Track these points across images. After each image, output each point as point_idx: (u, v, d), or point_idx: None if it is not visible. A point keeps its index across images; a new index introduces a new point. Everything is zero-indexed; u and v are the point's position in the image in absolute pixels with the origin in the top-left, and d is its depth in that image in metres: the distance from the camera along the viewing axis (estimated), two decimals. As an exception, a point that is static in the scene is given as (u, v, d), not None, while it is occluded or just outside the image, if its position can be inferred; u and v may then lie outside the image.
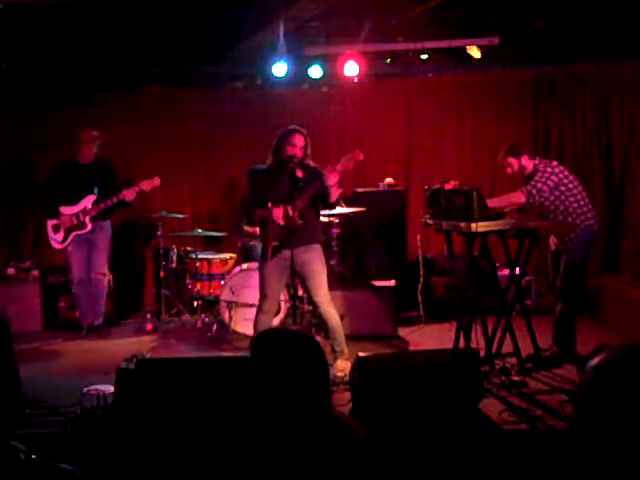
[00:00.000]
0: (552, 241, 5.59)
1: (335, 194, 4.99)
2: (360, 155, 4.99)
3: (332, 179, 4.88)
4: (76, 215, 6.49)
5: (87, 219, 6.48)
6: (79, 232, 6.50)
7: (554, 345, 5.45)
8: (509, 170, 5.43)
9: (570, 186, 5.31)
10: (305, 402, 1.86)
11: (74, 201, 6.51)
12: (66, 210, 6.52)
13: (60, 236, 6.55)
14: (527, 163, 5.36)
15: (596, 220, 5.40)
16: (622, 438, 1.17)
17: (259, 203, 5.14)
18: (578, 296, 5.42)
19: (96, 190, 6.50)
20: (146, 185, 6.48)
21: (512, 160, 5.38)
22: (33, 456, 1.31)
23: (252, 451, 1.85)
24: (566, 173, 5.35)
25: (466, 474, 3.37)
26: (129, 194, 6.40)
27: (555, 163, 5.40)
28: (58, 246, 6.60)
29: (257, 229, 5.65)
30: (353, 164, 5.03)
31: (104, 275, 6.62)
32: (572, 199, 5.30)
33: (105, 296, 6.68)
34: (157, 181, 6.53)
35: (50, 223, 6.59)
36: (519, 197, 5.34)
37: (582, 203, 5.32)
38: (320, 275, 5.14)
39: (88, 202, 6.50)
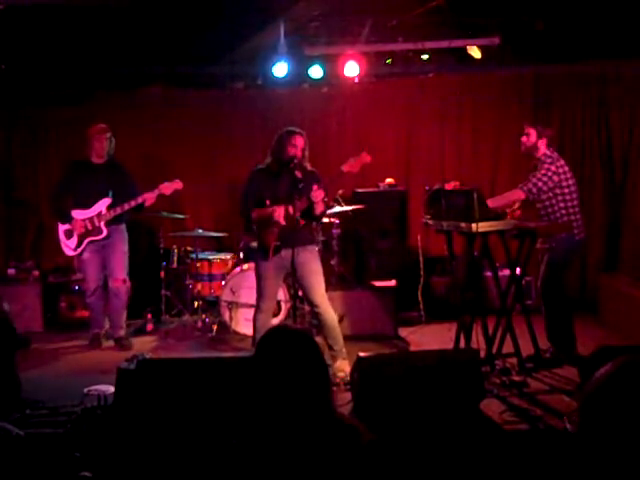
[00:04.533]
0: (538, 240, 5.59)
1: (320, 209, 5.07)
2: (367, 157, 4.97)
3: (317, 197, 4.93)
4: (90, 220, 6.08)
5: (102, 224, 6.07)
6: (94, 238, 6.10)
7: (552, 346, 5.45)
8: (524, 139, 5.42)
9: (565, 190, 5.30)
10: (304, 400, 1.86)
11: (87, 204, 6.11)
12: (79, 214, 6.12)
13: (73, 242, 6.15)
14: (542, 146, 5.37)
15: (581, 230, 5.37)
16: (625, 447, 1.18)
17: (257, 202, 5.15)
18: (557, 297, 5.39)
19: (111, 194, 6.11)
20: (166, 188, 6.12)
21: (532, 131, 5.38)
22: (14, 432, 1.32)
23: (254, 451, 1.85)
24: (568, 175, 5.33)
25: (467, 474, 3.37)
26: (150, 197, 6.05)
27: (562, 162, 5.36)
28: (71, 253, 6.23)
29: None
30: (359, 166, 4.99)
31: (124, 282, 6.26)
32: (562, 204, 5.30)
33: (126, 305, 6.34)
34: (179, 184, 6.16)
35: (62, 228, 6.19)
36: (519, 195, 5.35)
37: (571, 211, 5.31)
38: (318, 274, 5.17)
39: (102, 206, 6.10)
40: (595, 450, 1.21)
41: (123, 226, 6.29)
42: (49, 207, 6.56)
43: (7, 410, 1.22)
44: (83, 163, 6.25)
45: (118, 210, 6.07)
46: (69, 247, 6.21)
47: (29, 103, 7.59)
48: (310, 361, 1.93)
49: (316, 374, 1.92)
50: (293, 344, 1.95)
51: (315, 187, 4.94)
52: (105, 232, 6.12)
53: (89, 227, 6.10)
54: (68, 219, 6.15)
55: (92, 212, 6.12)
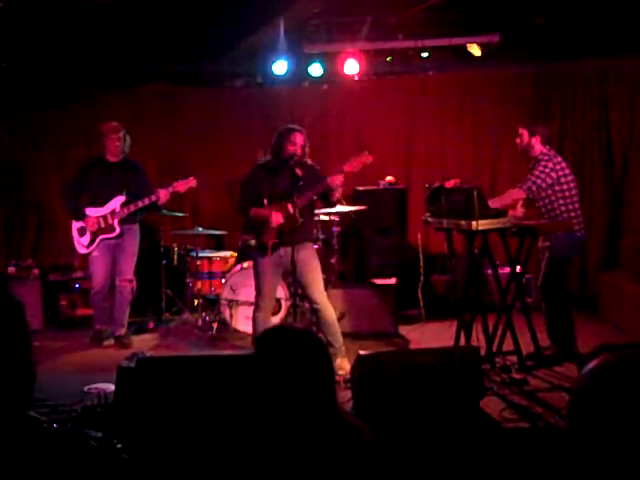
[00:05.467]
0: (540, 238, 5.60)
1: (337, 195, 5.07)
2: (369, 157, 4.97)
3: (338, 180, 4.91)
4: (104, 218, 6.06)
5: (115, 222, 6.05)
6: (107, 236, 6.09)
7: (552, 343, 5.46)
8: (518, 140, 5.47)
9: (564, 187, 5.30)
10: (310, 400, 1.86)
11: (101, 202, 6.10)
12: (93, 212, 6.11)
13: (86, 240, 6.13)
14: (536, 145, 5.38)
15: (581, 227, 5.36)
16: (615, 444, 1.18)
17: (255, 199, 5.15)
18: (558, 295, 5.39)
19: (125, 192, 6.09)
20: (180, 186, 6.07)
21: (524, 132, 5.41)
22: (54, 425, 1.34)
23: (256, 450, 1.85)
24: (566, 172, 5.33)
25: (467, 472, 3.37)
26: (163, 195, 6.01)
27: (559, 159, 5.37)
28: (84, 250, 6.20)
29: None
30: (361, 166, 5.00)
31: (130, 282, 6.25)
32: (562, 201, 5.30)
33: (129, 305, 6.33)
34: (193, 182, 6.10)
35: (75, 225, 6.16)
36: (519, 194, 5.36)
37: (570, 207, 5.31)
38: (317, 271, 5.18)
39: (116, 204, 6.07)
40: (584, 446, 1.21)
41: (136, 226, 6.27)
42: (63, 204, 6.49)
43: (22, 407, 1.24)
44: (97, 161, 6.25)
45: (132, 208, 6.05)
46: (82, 244, 6.20)
47: (29, 103, 7.58)
48: (316, 360, 1.92)
49: (321, 373, 1.92)
50: (298, 343, 1.94)
51: (337, 168, 4.91)
52: (118, 230, 6.11)
53: (102, 225, 6.10)
54: (82, 216, 6.15)
55: (106, 210, 6.11)
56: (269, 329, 2.07)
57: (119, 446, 1.42)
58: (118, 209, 6.09)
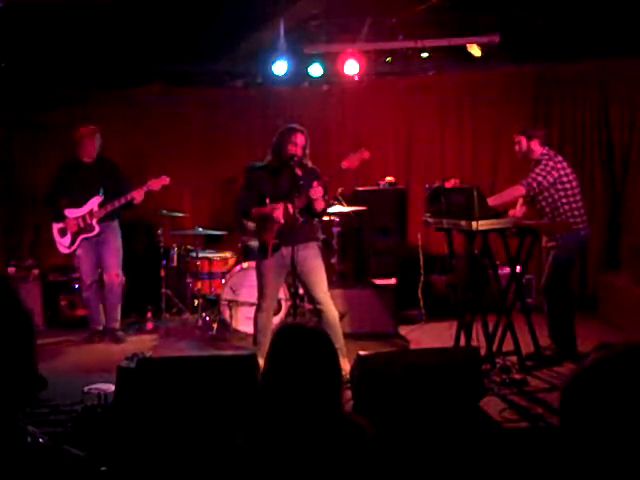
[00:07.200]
0: (544, 239, 5.61)
1: (320, 206, 5.05)
2: (366, 153, 5.00)
3: (316, 193, 4.92)
4: (82, 218, 6.23)
5: (94, 222, 6.22)
6: (87, 235, 6.25)
7: (553, 343, 5.46)
8: (517, 147, 5.48)
9: (567, 186, 5.30)
10: (318, 397, 1.88)
11: (79, 203, 6.26)
12: (72, 213, 6.27)
13: (67, 240, 6.29)
14: (536, 148, 5.39)
15: (585, 225, 5.37)
16: (607, 438, 1.18)
17: (257, 200, 5.15)
18: (561, 294, 5.39)
19: (102, 191, 6.24)
20: (154, 184, 6.22)
21: (522, 139, 5.42)
22: (40, 439, 1.32)
23: (258, 448, 1.86)
24: (567, 171, 5.34)
25: (467, 473, 3.37)
26: (138, 195, 6.15)
27: (559, 158, 5.38)
28: (65, 250, 6.36)
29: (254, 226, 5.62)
30: (359, 162, 5.02)
31: (117, 276, 6.37)
32: (564, 200, 5.30)
33: (120, 299, 6.45)
34: (166, 180, 6.26)
35: (56, 227, 6.33)
36: (520, 190, 5.37)
37: (574, 206, 5.31)
38: (319, 271, 5.16)
39: (94, 204, 6.24)
40: (577, 440, 1.21)
41: (116, 222, 6.42)
42: (45, 206, 6.59)
43: (22, 406, 1.24)
44: (74, 162, 6.39)
45: (109, 208, 6.22)
46: (63, 245, 6.36)
47: (29, 104, 7.58)
48: (325, 359, 1.95)
49: (330, 372, 1.94)
50: (310, 342, 1.96)
51: (315, 184, 4.94)
52: (97, 229, 6.27)
53: (81, 225, 6.26)
54: (62, 218, 6.30)
55: (84, 210, 6.27)
56: (284, 327, 2.10)
57: (103, 468, 1.39)
58: (96, 209, 6.26)
